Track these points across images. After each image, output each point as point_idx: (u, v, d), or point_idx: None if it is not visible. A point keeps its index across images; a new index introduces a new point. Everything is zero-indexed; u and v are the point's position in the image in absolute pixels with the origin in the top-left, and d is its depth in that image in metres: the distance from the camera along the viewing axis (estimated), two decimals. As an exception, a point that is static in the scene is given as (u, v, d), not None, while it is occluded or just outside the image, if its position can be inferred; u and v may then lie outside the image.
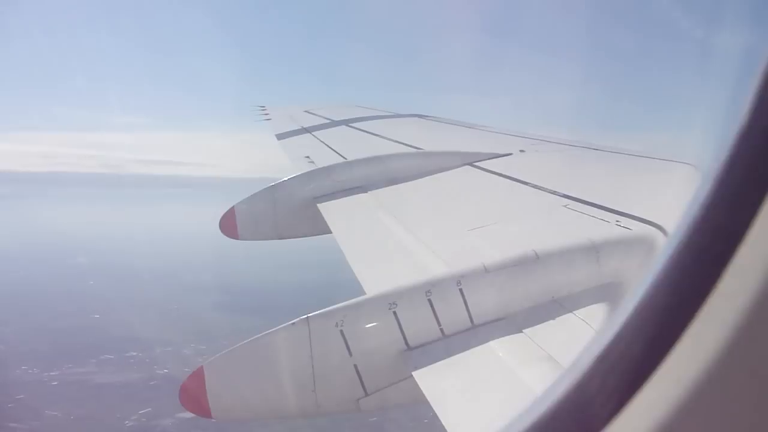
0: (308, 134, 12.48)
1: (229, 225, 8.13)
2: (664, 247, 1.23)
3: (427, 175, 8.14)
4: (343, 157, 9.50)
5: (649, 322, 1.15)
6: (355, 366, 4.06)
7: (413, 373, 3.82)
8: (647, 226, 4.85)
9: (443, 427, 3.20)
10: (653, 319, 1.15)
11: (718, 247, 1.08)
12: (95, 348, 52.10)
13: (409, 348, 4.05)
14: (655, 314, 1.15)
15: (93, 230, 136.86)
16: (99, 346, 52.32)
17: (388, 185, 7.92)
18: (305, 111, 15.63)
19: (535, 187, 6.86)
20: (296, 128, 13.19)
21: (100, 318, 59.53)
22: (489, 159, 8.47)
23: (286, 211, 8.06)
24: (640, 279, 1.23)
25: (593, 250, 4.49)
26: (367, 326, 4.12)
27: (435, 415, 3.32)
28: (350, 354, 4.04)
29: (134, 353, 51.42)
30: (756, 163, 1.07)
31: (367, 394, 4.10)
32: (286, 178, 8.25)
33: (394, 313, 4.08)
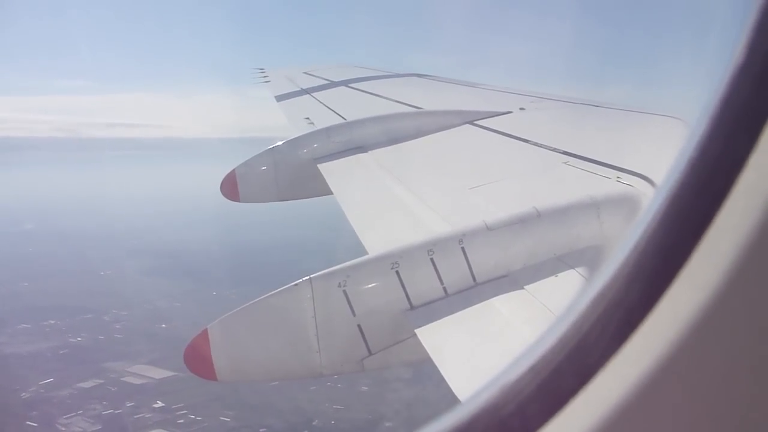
0: (308, 95, 12.39)
1: (230, 187, 8.12)
2: (651, 201, 1.25)
3: (427, 135, 8.09)
4: (343, 118, 9.42)
5: (637, 271, 1.17)
6: (359, 326, 4.09)
7: (416, 332, 3.85)
8: (647, 182, 4.84)
9: (447, 386, 3.23)
10: (642, 268, 1.17)
11: (704, 205, 1.09)
12: (15, 316, 49.26)
13: (412, 307, 4.08)
14: (644, 263, 1.17)
15: (46, 196, 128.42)
16: (19, 314, 49.61)
17: (388, 145, 7.89)
18: (304, 72, 15.48)
19: (535, 144, 6.82)
20: (295, 90, 13.10)
21: (29, 285, 57.02)
22: (489, 117, 8.41)
23: (286, 173, 8.04)
24: (632, 230, 1.25)
25: (594, 207, 4.49)
26: (370, 286, 4.14)
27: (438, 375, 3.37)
28: (354, 314, 4.07)
29: (52, 321, 49.01)
30: (742, 120, 1.08)
31: (371, 354, 4.13)
32: (280, 143, 8.22)
33: (397, 272, 4.10)
